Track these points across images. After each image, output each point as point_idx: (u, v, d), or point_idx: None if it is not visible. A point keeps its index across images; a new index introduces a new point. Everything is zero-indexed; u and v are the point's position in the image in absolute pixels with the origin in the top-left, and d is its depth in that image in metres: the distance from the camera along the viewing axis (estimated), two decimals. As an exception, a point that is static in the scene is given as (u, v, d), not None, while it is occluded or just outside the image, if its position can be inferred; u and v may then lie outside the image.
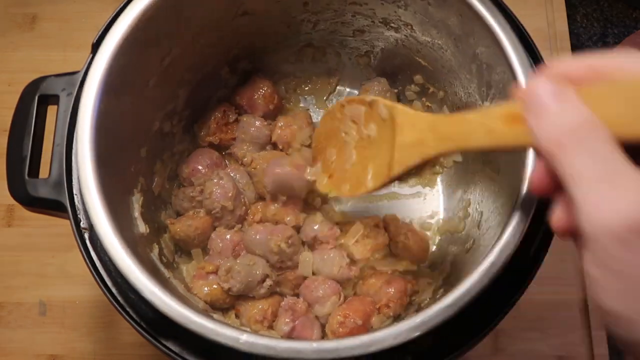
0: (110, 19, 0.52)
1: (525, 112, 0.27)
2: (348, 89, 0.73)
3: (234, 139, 0.67)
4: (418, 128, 0.39)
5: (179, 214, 0.64)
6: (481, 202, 0.60)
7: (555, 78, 0.27)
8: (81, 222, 0.49)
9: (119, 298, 0.47)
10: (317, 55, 0.70)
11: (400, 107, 0.43)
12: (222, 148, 0.68)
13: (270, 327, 0.58)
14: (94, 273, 0.48)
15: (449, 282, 0.57)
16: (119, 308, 0.47)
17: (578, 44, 0.83)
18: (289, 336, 0.57)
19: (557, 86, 0.26)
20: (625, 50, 0.27)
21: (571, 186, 0.24)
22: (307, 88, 0.73)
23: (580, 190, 0.24)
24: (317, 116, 0.72)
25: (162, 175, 0.63)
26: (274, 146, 0.67)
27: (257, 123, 0.66)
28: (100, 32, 0.52)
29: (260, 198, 0.64)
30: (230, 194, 0.60)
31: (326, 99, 0.73)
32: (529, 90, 0.27)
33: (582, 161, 0.24)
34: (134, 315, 0.46)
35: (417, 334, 0.42)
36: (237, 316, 0.59)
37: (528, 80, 0.29)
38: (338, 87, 0.73)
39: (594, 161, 0.24)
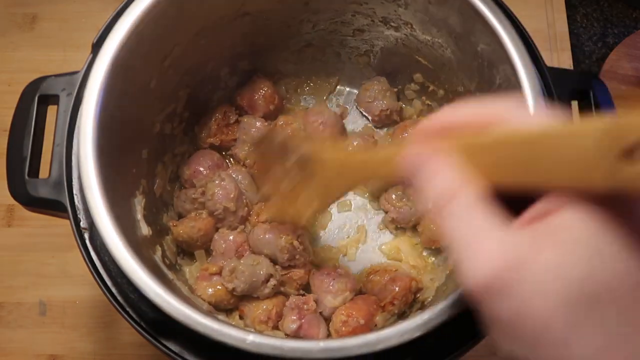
0: (110, 18, 0.52)
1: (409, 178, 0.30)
2: (348, 88, 0.73)
3: (235, 140, 0.67)
4: (335, 165, 0.41)
5: (180, 216, 0.64)
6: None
7: (431, 136, 0.29)
8: (81, 222, 0.49)
9: (119, 298, 0.47)
10: (317, 55, 0.70)
11: (317, 150, 0.43)
12: (223, 149, 0.68)
13: (275, 328, 0.58)
14: (94, 273, 0.48)
15: (453, 278, 0.57)
16: (119, 308, 0.47)
17: (578, 44, 0.84)
18: (296, 334, 0.57)
19: (424, 155, 0.28)
20: (510, 98, 0.28)
21: (449, 244, 0.27)
22: (307, 88, 0.73)
23: (454, 250, 0.26)
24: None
25: (164, 177, 0.63)
26: None
27: (258, 124, 0.66)
28: (100, 32, 0.52)
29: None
30: (232, 195, 0.60)
31: (326, 99, 0.73)
32: (406, 160, 0.30)
33: (455, 224, 0.26)
34: (134, 315, 0.46)
35: (422, 332, 0.42)
36: (241, 317, 0.59)
37: (408, 147, 0.30)
38: (338, 87, 0.73)
39: (465, 224, 0.26)
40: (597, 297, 0.23)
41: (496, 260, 0.24)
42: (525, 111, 0.28)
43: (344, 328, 0.56)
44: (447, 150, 0.28)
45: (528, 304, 0.24)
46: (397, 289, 0.58)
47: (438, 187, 0.27)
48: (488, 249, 0.25)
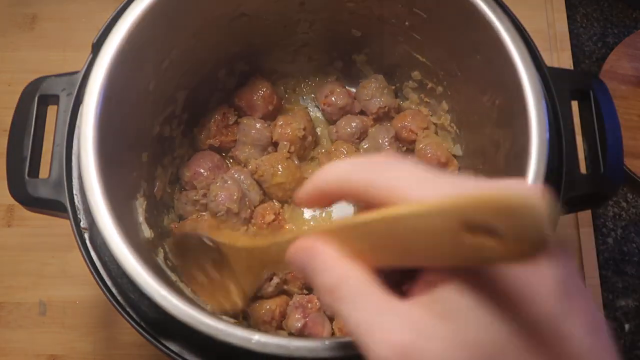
0: (110, 19, 0.52)
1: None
2: (346, 87, 0.73)
3: (235, 141, 0.67)
4: (242, 256, 0.39)
5: (181, 218, 0.63)
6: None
7: (320, 198, 0.30)
8: (81, 222, 0.48)
9: (119, 298, 0.47)
10: (314, 55, 0.70)
11: (222, 241, 0.41)
12: (223, 150, 0.68)
13: (279, 328, 0.58)
14: (94, 273, 0.48)
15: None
16: (119, 308, 0.47)
17: (578, 44, 0.84)
18: (301, 333, 0.57)
19: (306, 251, 0.29)
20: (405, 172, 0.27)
21: (349, 331, 0.27)
22: (305, 88, 0.73)
23: (355, 337, 0.27)
24: (315, 113, 0.72)
25: (164, 179, 0.63)
26: (275, 146, 0.67)
27: (258, 125, 0.66)
28: (100, 32, 0.52)
29: (268, 199, 0.64)
30: (235, 197, 0.60)
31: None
32: (291, 258, 0.30)
33: (351, 312, 0.27)
34: (134, 315, 0.46)
35: None
36: (244, 318, 0.59)
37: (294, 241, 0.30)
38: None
39: (360, 310, 0.27)
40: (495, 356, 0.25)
41: (396, 342, 0.25)
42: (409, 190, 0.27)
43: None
44: (326, 240, 0.28)
45: None
46: None
47: (326, 282, 0.28)
48: (387, 331, 0.26)
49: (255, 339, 0.42)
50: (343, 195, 0.29)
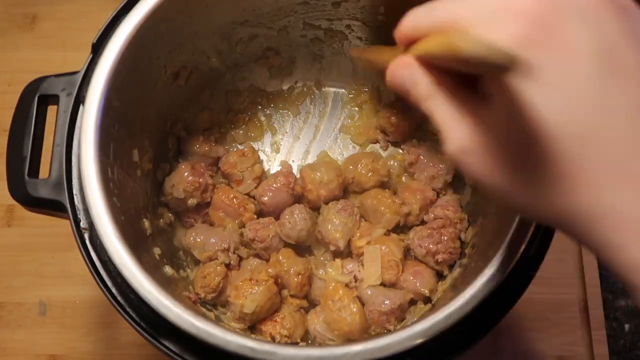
0: (110, 19, 0.52)
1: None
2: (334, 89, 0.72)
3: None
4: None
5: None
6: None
7: (403, 41, 0.37)
8: (81, 222, 0.49)
9: (119, 298, 0.47)
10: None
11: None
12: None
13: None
14: (94, 273, 0.48)
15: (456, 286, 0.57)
16: (119, 308, 0.47)
17: (578, 44, 0.84)
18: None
19: (405, 66, 0.36)
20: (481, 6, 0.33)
21: (437, 126, 0.35)
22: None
23: (441, 129, 0.34)
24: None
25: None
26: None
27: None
28: (100, 32, 0.52)
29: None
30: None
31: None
32: (395, 74, 0.37)
33: (439, 112, 0.34)
34: (134, 315, 0.46)
35: (424, 339, 0.43)
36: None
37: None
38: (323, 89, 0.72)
39: (444, 110, 0.34)
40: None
41: (467, 128, 0.33)
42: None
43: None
44: (416, 60, 0.36)
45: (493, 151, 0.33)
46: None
47: (424, 90, 0.35)
48: (462, 122, 0.33)
49: (260, 348, 0.43)
50: (416, 36, 0.36)
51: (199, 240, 0.61)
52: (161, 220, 0.61)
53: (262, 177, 0.65)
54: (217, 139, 0.67)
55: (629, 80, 0.30)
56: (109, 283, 0.47)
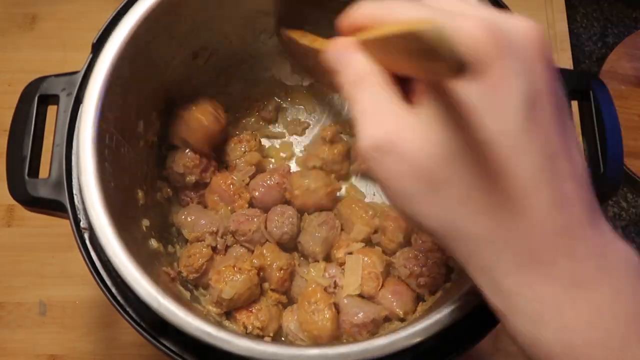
0: (110, 18, 0.52)
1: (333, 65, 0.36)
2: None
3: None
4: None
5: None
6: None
7: (348, 29, 0.36)
8: (81, 222, 0.49)
9: (119, 298, 0.47)
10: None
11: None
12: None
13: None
14: (94, 273, 0.48)
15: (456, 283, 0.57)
16: (119, 308, 0.47)
17: (578, 44, 0.84)
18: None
19: (344, 46, 0.35)
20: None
21: (354, 116, 0.34)
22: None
23: (357, 120, 0.33)
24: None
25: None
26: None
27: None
28: (100, 32, 0.52)
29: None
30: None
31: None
32: (329, 52, 0.36)
33: (361, 100, 0.33)
34: (134, 315, 0.46)
35: (423, 337, 0.43)
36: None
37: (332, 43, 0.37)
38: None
39: (368, 100, 0.33)
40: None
41: (388, 125, 0.32)
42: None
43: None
44: (358, 44, 0.35)
45: (412, 155, 0.31)
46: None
47: (353, 73, 0.34)
48: (384, 118, 0.32)
49: (240, 344, 0.43)
50: (366, 25, 0.35)
51: (189, 220, 0.61)
52: (159, 194, 0.61)
53: (258, 166, 0.65)
54: (231, 122, 0.67)
55: (542, 129, 0.30)
56: (109, 283, 0.47)
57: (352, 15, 0.35)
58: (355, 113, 0.33)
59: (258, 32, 0.64)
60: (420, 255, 0.58)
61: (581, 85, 0.52)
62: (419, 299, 0.59)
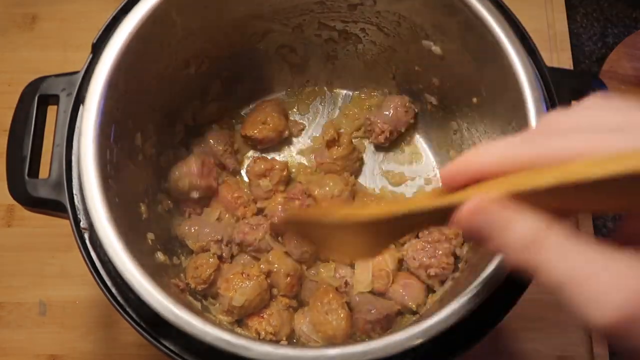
0: (110, 18, 0.52)
1: (478, 236, 0.28)
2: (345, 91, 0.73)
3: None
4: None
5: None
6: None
7: (465, 180, 0.28)
8: (81, 222, 0.49)
9: (119, 298, 0.47)
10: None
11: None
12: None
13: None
14: (94, 273, 0.48)
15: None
16: (119, 308, 0.47)
17: (578, 44, 0.83)
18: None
19: (486, 202, 0.27)
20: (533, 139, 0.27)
21: (555, 287, 0.25)
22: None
23: (568, 289, 0.24)
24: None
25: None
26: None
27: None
28: (100, 32, 0.52)
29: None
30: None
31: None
32: (464, 214, 0.28)
33: (555, 263, 0.25)
34: (134, 315, 0.46)
35: (423, 339, 0.43)
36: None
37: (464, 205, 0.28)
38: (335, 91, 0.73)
39: (571, 260, 0.24)
40: None
41: (630, 281, 0.23)
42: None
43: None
44: (503, 197, 0.27)
45: None
46: None
47: (520, 236, 0.26)
48: (610, 281, 0.24)
49: (259, 349, 0.43)
50: (497, 173, 0.27)
51: (193, 230, 0.61)
52: (159, 207, 0.61)
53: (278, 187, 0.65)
54: (229, 128, 0.68)
55: None
56: (109, 283, 0.47)
57: (475, 162, 0.28)
58: (556, 284, 0.25)
59: (248, 36, 0.64)
60: (429, 246, 0.59)
61: (581, 85, 0.52)
62: (429, 290, 0.59)
